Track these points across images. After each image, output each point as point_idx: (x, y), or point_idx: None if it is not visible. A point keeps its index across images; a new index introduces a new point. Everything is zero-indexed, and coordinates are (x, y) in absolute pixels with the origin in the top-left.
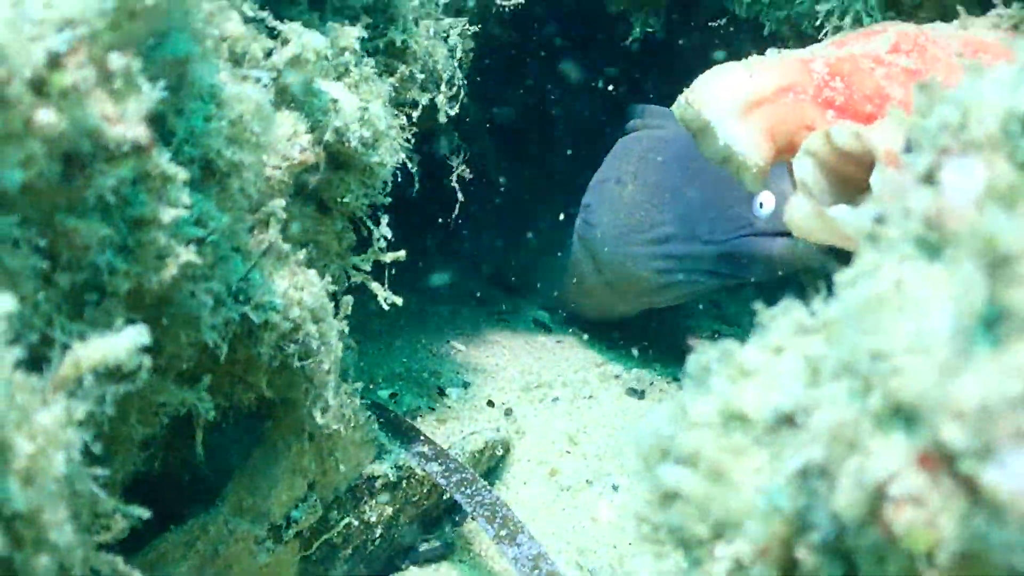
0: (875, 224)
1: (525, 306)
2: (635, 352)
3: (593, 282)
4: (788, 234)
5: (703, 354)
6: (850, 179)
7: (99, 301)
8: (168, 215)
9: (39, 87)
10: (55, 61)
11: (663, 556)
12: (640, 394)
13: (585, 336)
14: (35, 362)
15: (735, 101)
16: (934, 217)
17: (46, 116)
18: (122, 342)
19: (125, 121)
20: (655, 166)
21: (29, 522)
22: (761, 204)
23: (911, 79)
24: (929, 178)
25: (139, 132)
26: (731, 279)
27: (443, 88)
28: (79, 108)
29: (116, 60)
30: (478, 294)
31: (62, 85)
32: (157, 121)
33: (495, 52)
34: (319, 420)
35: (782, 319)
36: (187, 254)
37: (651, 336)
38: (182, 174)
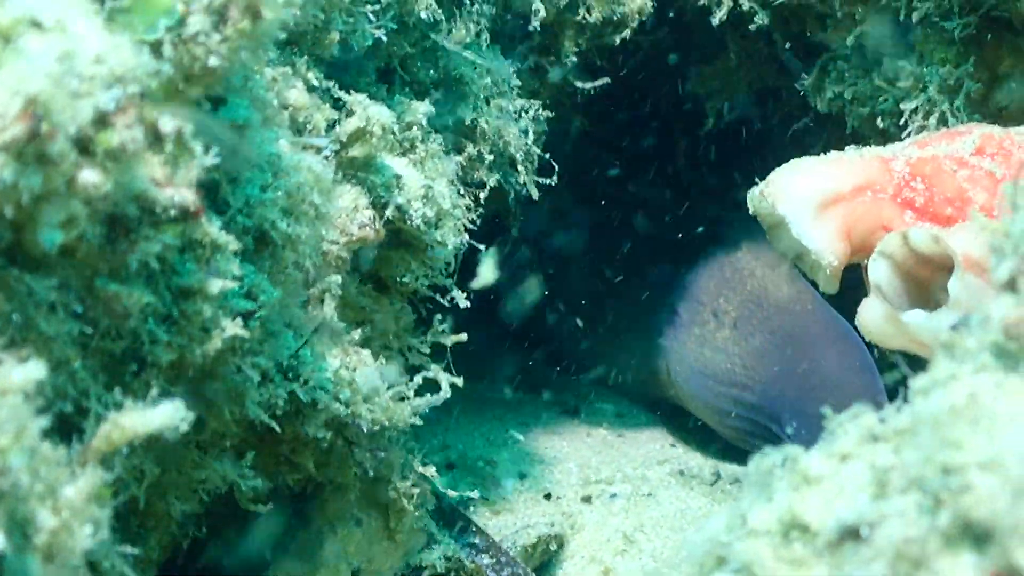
0: (951, 332)
1: (592, 397)
2: (702, 449)
3: (663, 381)
4: None
5: (766, 458)
6: (925, 283)
7: (138, 371)
8: (215, 286)
9: (85, 146)
10: (102, 119)
11: None
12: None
13: (658, 427)
14: (68, 432)
15: (812, 197)
16: (1014, 326)
17: (90, 176)
18: (159, 415)
19: (174, 185)
20: (759, 328)
21: None
22: None
23: (995, 183)
24: (1011, 285)
25: (187, 197)
26: None
27: (520, 168)
28: (126, 169)
29: (168, 122)
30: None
31: (109, 145)
32: (211, 189)
33: (569, 135)
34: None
35: (850, 425)
36: (233, 328)
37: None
38: (232, 244)
